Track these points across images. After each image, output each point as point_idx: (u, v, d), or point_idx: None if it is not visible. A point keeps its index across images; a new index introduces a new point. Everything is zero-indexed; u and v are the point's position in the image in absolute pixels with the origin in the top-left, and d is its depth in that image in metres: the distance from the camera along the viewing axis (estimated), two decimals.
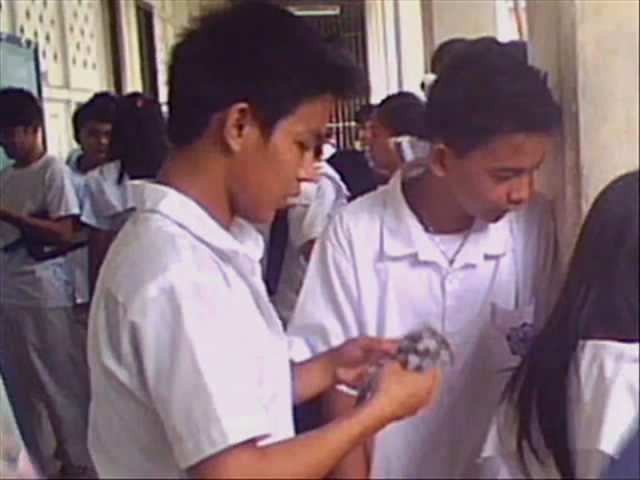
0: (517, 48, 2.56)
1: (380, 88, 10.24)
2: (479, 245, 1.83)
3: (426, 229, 1.83)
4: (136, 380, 1.25)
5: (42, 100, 5.42)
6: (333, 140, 10.48)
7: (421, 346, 1.46)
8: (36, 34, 5.88)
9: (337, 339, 1.80)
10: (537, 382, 1.47)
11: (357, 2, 14.52)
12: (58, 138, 5.92)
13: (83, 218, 3.78)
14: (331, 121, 8.07)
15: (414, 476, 1.89)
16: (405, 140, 3.02)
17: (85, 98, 4.86)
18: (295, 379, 1.50)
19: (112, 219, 3.60)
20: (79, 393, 4.01)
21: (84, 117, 4.46)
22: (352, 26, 15.68)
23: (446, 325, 1.80)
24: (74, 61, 6.65)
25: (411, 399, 1.44)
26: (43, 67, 5.81)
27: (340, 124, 14.73)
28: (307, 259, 2.09)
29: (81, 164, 4.60)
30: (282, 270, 3.32)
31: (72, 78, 6.50)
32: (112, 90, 7.15)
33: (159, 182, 1.36)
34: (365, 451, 1.86)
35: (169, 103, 1.39)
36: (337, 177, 3.35)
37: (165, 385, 1.21)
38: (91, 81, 6.96)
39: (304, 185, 1.42)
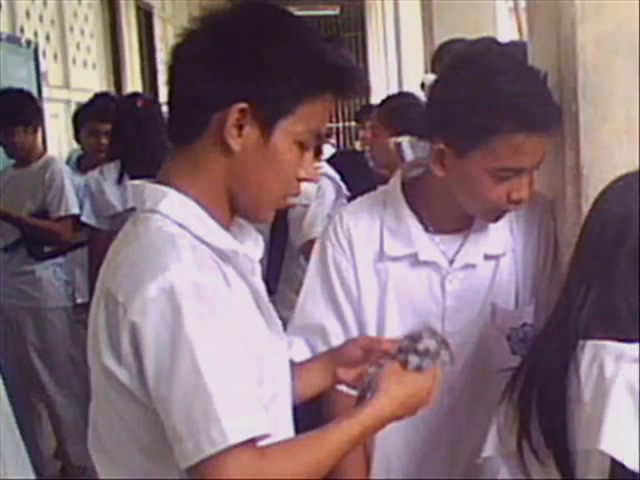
0: (517, 48, 2.56)
1: (380, 88, 10.25)
2: (479, 245, 1.83)
3: (426, 229, 1.83)
4: (136, 380, 1.25)
5: (42, 100, 5.42)
6: (333, 140, 10.49)
7: (421, 346, 1.46)
8: (36, 34, 5.88)
9: (337, 339, 1.80)
10: (537, 382, 1.46)
11: (357, 2, 14.52)
12: (58, 138, 5.93)
13: (83, 218, 3.78)
14: (331, 121, 8.07)
15: (414, 476, 1.89)
16: (405, 140, 3.02)
17: (85, 98, 4.86)
18: (295, 379, 1.50)
19: (112, 219, 3.60)
20: (79, 393, 4.01)
21: (84, 117, 4.47)
22: (352, 26, 15.69)
23: (446, 325, 1.80)
24: (74, 61, 6.65)
25: (411, 399, 1.44)
26: (43, 67, 5.82)
27: (340, 124, 14.73)
28: (307, 259, 2.09)
29: (81, 164, 4.61)
30: (282, 270, 3.32)
31: (72, 78, 6.51)
32: (112, 90, 7.16)
33: (159, 182, 1.36)
34: (365, 451, 1.86)
35: (169, 103, 1.39)
36: (337, 177, 3.35)
37: (165, 385, 1.21)
38: (91, 81, 6.97)
39: (304, 185, 1.42)
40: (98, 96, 4.75)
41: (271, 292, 1.69)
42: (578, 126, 1.76)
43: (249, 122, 1.31)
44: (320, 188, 3.21)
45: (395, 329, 1.76)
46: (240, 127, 1.31)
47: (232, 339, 1.25)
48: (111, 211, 3.64)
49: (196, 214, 1.33)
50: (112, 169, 3.70)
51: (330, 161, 3.69)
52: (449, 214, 1.82)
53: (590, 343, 1.40)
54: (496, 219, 1.80)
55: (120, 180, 3.64)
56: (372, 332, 1.83)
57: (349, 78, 1.36)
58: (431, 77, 2.98)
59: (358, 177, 3.42)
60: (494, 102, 1.66)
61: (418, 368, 1.45)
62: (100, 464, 1.38)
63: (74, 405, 4.13)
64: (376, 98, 4.89)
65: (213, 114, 1.31)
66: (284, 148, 1.34)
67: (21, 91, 4.34)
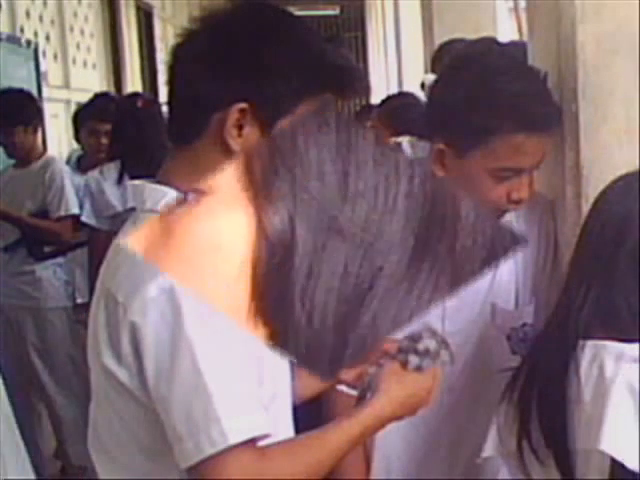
0: (517, 48, 2.56)
1: (380, 88, 10.25)
2: None
3: None
4: (136, 380, 1.25)
5: (42, 100, 5.42)
6: None
7: (421, 346, 1.46)
8: (36, 34, 5.89)
9: None
10: (537, 382, 1.46)
11: (357, 2, 14.51)
12: (58, 138, 5.93)
13: (83, 218, 3.78)
14: None
15: (414, 476, 1.89)
16: (405, 140, 3.02)
17: (85, 98, 4.87)
18: (295, 379, 1.50)
19: (112, 219, 3.60)
20: (79, 393, 4.00)
21: (84, 117, 4.47)
22: (352, 26, 15.69)
23: (446, 325, 1.80)
24: (74, 61, 6.65)
25: (411, 399, 1.44)
26: (43, 67, 5.82)
27: None
28: None
29: (81, 164, 4.61)
30: None
31: (72, 78, 6.51)
32: (112, 90, 7.16)
33: (159, 182, 1.36)
34: (365, 451, 1.85)
35: (169, 103, 1.39)
36: None
37: (165, 385, 1.21)
38: (91, 81, 6.97)
39: None
40: (98, 96, 4.75)
41: None
42: (578, 126, 1.76)
43: (249, 122, 1.31)
44: None
45: None
46: (240, 127, 1.31)
47: (232, 339, 1.25)
48: (111, 211, 3.64)
49: None
50: (112, 169, 3.70)
51: None
52: None
53: (590, 343, 1.40)
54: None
55: (120, 180, 3.64)
56: None
57: (349, 78, 1.36)
58: (431, 77, 2.98)
59: None
60: (494, 102, 1.66)
61: (418, 368, 1.45)
62: (100, 464, 1.38)
63: (74, 405, 4.13)
64: (376, 98, 4.89)
65: (213, 114, 1.31)
66: None
67: (21, 91, 4.34)
